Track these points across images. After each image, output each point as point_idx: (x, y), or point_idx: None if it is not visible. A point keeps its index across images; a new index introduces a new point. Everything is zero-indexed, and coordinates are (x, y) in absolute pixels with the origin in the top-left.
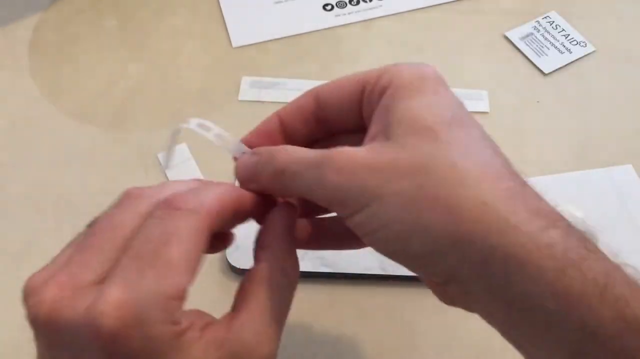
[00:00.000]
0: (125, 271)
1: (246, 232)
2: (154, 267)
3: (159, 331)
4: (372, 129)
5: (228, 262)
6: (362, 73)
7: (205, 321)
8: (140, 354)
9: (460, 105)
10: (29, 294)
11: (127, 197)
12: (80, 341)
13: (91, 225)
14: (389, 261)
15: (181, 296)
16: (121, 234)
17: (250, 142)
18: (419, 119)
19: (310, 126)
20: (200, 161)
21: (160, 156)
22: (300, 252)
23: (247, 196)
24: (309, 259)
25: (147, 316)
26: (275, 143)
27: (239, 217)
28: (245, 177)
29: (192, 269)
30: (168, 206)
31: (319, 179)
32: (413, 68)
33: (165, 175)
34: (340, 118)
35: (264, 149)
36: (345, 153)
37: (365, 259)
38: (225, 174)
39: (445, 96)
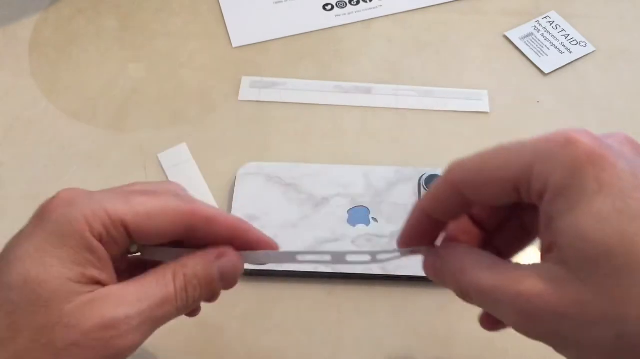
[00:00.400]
0: (106, 189)
1: None
2: (119, 195)
3: (76, 220)
4: (544, 239)
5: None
6: (505, 165)
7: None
8: (51, 229)
9: (635, 184)
10: None
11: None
12: (35, 212)
13: None
14: (389, 261)
15: (114, 220)
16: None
17: (409, 242)
18: (590, 241)
19: (454, 212)
20: (201, 160)
21: (161, 156)
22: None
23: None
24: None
25: (80, 203)
26: (426, 236)
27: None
28: (434, 278)
29: (143, 217)
30: (178, 185)
31: (503, 315)
32: (563, 158)
33: (166, 175)
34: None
35: (443, 269)
36: (525, 296)
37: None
38: (224, 174)
39: (611, 184)
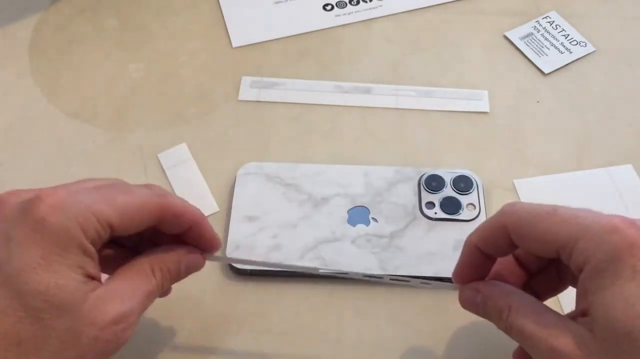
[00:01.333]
0: (77, 187)
1: (245, 234)
2: (101, 195)
3: (72, 226)
4: (579, 304)
5: (230, 266)
6: (554, 230)
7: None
8: (50, 233)
9: None
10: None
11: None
12: (16, 214)
13: None
14: (389, 260)
15: (101, 222)
16: (89, 183)
17: (461, 277)
18: (617, 321)
19: (502, 250)
20: (200, 160)
21: (161, 156)
22: (299, 252)
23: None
24: (309, 260)
25: (71, 209)
26: (478, 270)
27: (173, 228)
28: (472, 311)
29: (122, 217)
30: (149, 184)
31: (536, 358)
32: (607, 243)
33: (166, 175)
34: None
35: (486, 304)
36: (558, 352)
37: (365, 260)
38: (224, 174)
39: None
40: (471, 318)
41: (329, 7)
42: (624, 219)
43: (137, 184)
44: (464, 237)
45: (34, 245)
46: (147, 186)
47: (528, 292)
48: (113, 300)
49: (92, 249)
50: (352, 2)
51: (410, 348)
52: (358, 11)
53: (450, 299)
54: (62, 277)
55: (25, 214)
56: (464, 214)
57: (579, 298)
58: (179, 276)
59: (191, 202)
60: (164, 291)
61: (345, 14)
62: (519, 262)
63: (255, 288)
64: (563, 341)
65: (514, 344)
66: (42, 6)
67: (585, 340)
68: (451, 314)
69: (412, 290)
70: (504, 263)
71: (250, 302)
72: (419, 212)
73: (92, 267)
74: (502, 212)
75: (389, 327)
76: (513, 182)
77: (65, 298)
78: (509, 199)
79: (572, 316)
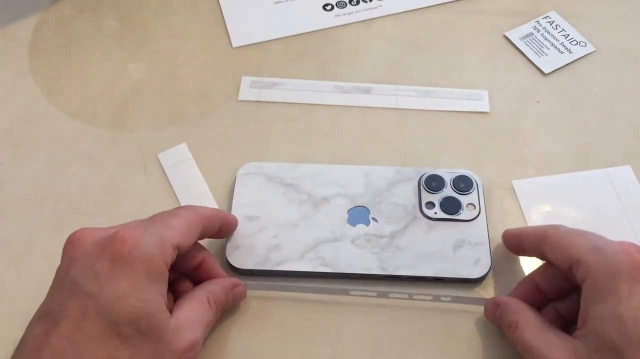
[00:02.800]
0: (141, 222)
1: (245, 234)
2: (161, 224)
3: (154, 256)
4: (581, 312)
5: (228, 261)
6: (568, 246)
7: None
8: (136, 265)
9: None
10: (71, 233)
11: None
12: (96, 251)
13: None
14: (389, 260)
15: (174, 246)
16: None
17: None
18: (607, 336)
19: (561, 290)
20: (200, 160)
21: (161, 156)
22: (299, 252)
23: (224, 220)
24: (309, 260)
25: (149, 241)
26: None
27: (212, 231)
28: (492, 322)
29: (184, 235)
30: (179, 206)
31: None
32: (611, 260)
33: (166, 175)
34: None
35: (502, 318)
36: (551, 347)
37: (365, 259)
38: (224, 174)
39: (639, 295)
40: (470, 320)
41: (329, 7)
42: (632, 244)
43: (173, 208)
44: (464, 237)
45: (123, 277)
46: (179, 207)
47: (556, 316)
48: (186, 329)
49: (167, 273)
50: (352, 2)
51: (410, 349)
52: (358, 11)
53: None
54: (150, 306)
55: (109, 250)
56: (464, 214)
57: (582, 308)
58: (227, 306)
59: (191, 202)
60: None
61: (345, 14)
62: (538, 289)
63: (255, 288)
64: (559, 353)
65: (511, 350)
66: (42, 6)
67: (581, 352)
68: (451, 314)
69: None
70: (526, 285)
71: (250, 302)
72: (419, 212)
73: (166, 294)
74: (550, 226)
75: (389, 327)
76: (511, 183)
77: (153, 326)
78: (509, 199)
79: (574, 329)
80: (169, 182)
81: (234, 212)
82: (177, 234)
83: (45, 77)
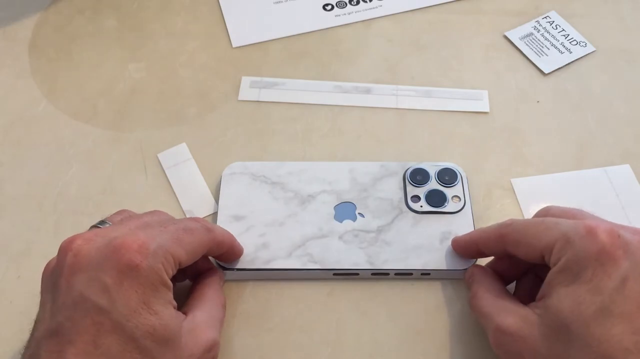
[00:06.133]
0: (149, 229)
1: (233, 233)
2: (170, 235)
3: (159, 269)
4: (542, 289)
5: (217, 261)
6: (538, 237)
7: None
8: (143, 277)
9: (618, 289)
10: (65, 240)
11: (153, 210)
12: (100, 260)
13: (120, 216)
14: (377, 255)
15: (177, 262)
16: (145, 225)
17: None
18: (560, 313)
19: (495, 253)
20: (200, 160)
21: (161, 156)
22: (287, 249)
23: (231, 247)
24: (297, 257)
25: (156, 253)
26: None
27: (216, 254)
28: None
29: (190, 256)
30: (194, 218)
31: (487, 333)
32: (578, 248)
33: (165, 175)
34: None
35: (470, 286)
36: (501, 328)
37: (353, 255)
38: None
39: (602, 280)
40: (471, 318)
41: (328, 7)
42: (604, 225)
43: (188, 219)
44: (450, 229)
45: (132, 290)
46: (195, 220)
47: (538, 282)
48: (201, 330)
49: (171, 284)
50: (352, 2)
51: (410, 348)
52: (358, 11)
53: (450, 299)
54: (163, 316)
55: (115, 260)
56: (450, 206)
57: (544, 286)
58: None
59: (191, 202)
60: None
61: (345, 14)
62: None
63: (255, 288)
64: (509, 321)
65: None
66: (42, 6)
67: (530, 322)
68: (451, 313)
69: (411, 290)
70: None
71: (250, 301)
72: (404, 206)
73: (172, 299)
74: (503, 224)
75: (389, 327)
76: (510, 182)
77: (169, 334)
78: (509, 199)
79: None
80: (169, 182)
81: (220, 212)
82: (185, 254)
83: (45, 77)
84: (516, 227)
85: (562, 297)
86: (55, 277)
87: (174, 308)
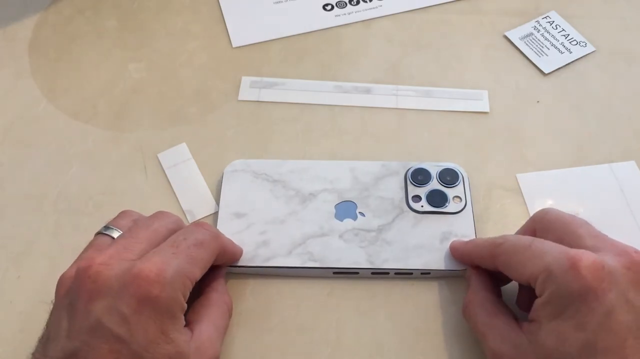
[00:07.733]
0: (163, 252)
1: (233, 231)
2: (184, 256)
3: (177, 296)
4: (531, 313)
5: None
6: (523, 266)
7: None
8: (161, 308)
9: (602, 324)
10: (80, 262)
11: (158, 213)
12: (119, 289)
13: (129, 229)
14: (377, 254)
15: (192, 282)
16: (156, 235)
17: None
18: (547, 351)
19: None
20: (200, 160)
21: (161, 156)
22: (288, 247)
23: (233, 252)
24: (297, 255)
25: (173, 280)
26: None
27: (220, 260)
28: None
29: (203, 269)
30: (200, 224)
31: (483, 349)
32: (560, 283)
33: (166, 175)
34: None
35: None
36: (496, 354)
37: (353, 254)
38: (222, 173)
39: (586, 317)
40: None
41: (329, 7)
42: (586, 257)
43: (195, 227)
44: (451, 230)
45: (151, 321)
46: (202, 227)
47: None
48: (205, 348)
49: (186, 305)
50: (352, 2)
51: (410, 348)
52: (358, 11)
53: (450, 299)
54: (178, 343)
55: (133, 290)
56: (451, 206)
57: (532, 311)
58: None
59: (191, 202)
60: None
61: (345, 14)
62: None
63: (255, 287)
64: (504, 349)
65: None
66: (42, 6)
67: (523, 351)
68: (451, 313)
69: (411, 289)
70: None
71: (250, 301)
72: (405, 205)
73: (184, 319)
74: (496, 243)
75: (389, 326)
76: (516, 177)
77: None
78: (509, 199)
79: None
80: (169, 182)
81: (221, 209)
82: (199, 271)
83: (45, 77)
84: (506, 249)
85: (548, 332)
86: (72, 298)
87: (184, 326)
